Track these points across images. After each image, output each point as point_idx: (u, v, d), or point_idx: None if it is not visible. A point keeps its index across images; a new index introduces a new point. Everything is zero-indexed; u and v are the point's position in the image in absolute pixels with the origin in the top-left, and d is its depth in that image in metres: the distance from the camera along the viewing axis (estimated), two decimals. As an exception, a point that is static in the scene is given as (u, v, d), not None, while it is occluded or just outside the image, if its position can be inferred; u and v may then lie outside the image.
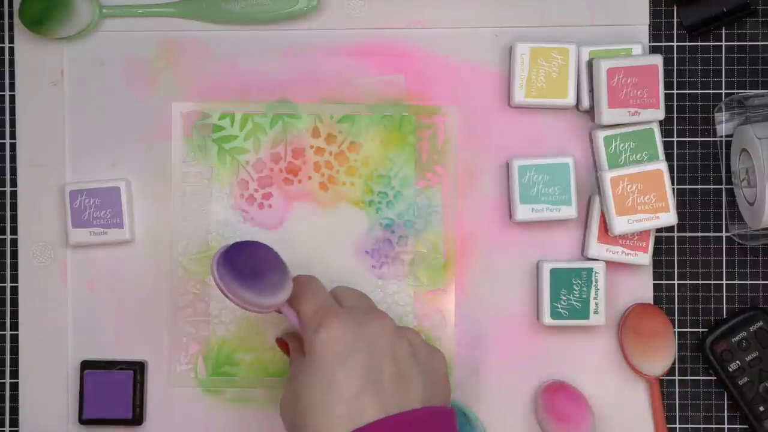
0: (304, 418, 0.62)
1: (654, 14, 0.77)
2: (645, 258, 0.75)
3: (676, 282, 0.77)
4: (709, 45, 0.77)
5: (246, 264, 0.65)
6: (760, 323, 0.75)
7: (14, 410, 0.77)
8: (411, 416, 0.62)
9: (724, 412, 0.77)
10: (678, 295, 0.77)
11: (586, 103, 0.75)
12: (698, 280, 0.77)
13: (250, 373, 0.76)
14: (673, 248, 0.77)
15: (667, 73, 0.76)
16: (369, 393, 0.61)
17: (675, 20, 0.77)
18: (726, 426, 0.77)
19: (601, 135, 0.74)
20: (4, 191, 0.77)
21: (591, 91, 0.74)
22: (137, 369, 0.75)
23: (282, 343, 0.70)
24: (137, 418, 0.75)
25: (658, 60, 0.73)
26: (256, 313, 0.70)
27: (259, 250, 0.67)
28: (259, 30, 0.77)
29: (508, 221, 0.76)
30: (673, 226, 0.76)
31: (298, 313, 0.66)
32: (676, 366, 0.77)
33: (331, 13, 0.77)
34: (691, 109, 0.77)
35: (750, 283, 0.77)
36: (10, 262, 0.77)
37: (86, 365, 0.76)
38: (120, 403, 0.75)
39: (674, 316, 0.77)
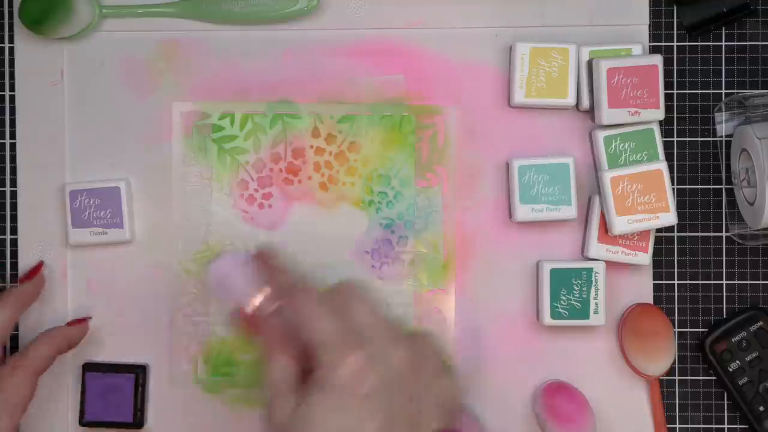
0: None
1: (654, 14, 0.77)
2: (645, 258, 0.75)
3: (676, 282, 0.77)
4: (709, 45, 0.77)
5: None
6: (760, 323, 0.75)
7: (15, 410, 0.77)
8: None
9: (724, 412, 0.77)
10: (678, 295, 0.77)
11: (586, 103, 0.75)
12: (698, 280, 0.77)
13: (250, 373, 0.76)
14: (673, 248, 0.77)
15: (667, 73, 0.76)
16: None
17: (675, 20, 0.77)
18: (726, 426, 0.77)
19: (601, 135, 0.74)
20: (4, 191, 0.77)
21: (591, 91, 0.74)
22: (139, 372, 0.75)
23: (248, 321, 0.63)
24: (138, 422, 0.75)
25: (658, 60, 0.73)
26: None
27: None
28: (259, 30, 0.77)
29: (508, 221, 0.76)
30: (673, 226, 0.76)
31: (313, 330, 0.59)
32: (676, 366, 0.77)
33: (331, 13, 0.77)
34: (691, 109, 0.77)
35: (750, 283, 0.77)
36: (10, 262, 0.77)
37: (88, 367, 0.76)
38: (121, 407, 0.75)
39: (674, 316, 0.77)
